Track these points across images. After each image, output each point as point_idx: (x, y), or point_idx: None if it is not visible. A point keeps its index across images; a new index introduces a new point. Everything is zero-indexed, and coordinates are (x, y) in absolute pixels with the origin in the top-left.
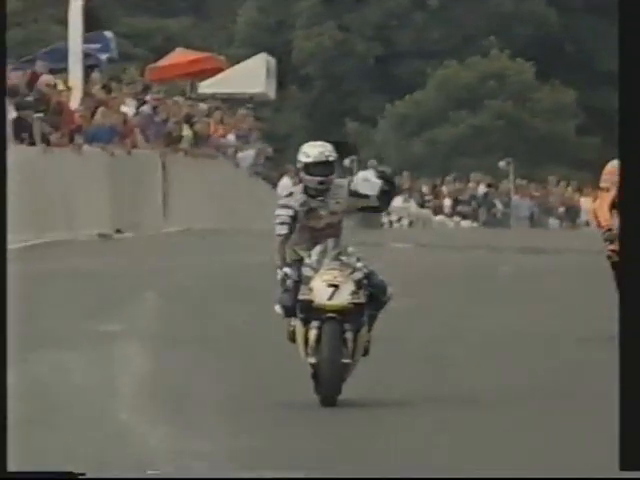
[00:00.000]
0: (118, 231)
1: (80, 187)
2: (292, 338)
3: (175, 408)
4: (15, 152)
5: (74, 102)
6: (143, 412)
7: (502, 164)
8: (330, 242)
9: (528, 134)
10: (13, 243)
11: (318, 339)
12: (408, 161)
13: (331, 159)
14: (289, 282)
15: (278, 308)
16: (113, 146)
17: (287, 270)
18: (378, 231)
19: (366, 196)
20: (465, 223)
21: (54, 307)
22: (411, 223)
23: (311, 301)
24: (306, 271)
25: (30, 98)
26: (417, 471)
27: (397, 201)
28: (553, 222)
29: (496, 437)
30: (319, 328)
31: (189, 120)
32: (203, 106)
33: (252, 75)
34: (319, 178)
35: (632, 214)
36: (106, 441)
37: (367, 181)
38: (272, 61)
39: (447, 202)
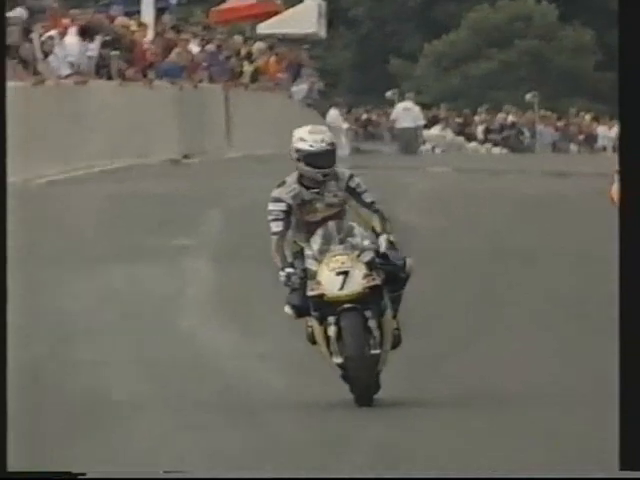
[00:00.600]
0: (186, 157)
1: (152, 117)
2: (312, 340)
3: (239, 314)
4: (94, 86)
5: (146, 41)
6: (210, 318)
7: (528, 96)
8: (331, 225)
9: (552, 70)
10: (93, 168)
11: (339, 335)
12: (445, 93)
13: (333, 147)
14: (294, 279)
15: (287, 309)
16: (181, 81)
17: (290, 270)
18: (416, 157)
19: (361, 198)
20: (495, 149)
21: (130, 224)
22: (444, 150)
23: (322, 295)
24: (309, 264)
25: (108, 38)
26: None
27: (434, 129)
28: (573, 148)
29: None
30: (337, 323)
31: (249, 57)
32: (262, 45)
33: (305, 17)
34: (323, 170)
35: (632, 210)
36: (176, 347)
37: (407, 110)
38: (323, 4)
39: (479, 130)
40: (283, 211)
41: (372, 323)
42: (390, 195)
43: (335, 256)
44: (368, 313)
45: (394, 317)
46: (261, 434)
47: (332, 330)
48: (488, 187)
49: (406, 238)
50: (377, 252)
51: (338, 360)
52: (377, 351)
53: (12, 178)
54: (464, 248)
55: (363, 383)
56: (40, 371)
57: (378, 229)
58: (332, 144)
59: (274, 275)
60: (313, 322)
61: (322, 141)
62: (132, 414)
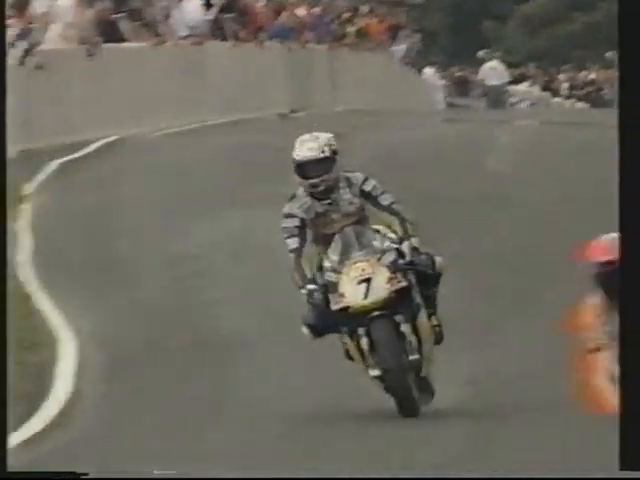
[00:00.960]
0: (293, 111)
1: (262, 75)
2: (349, 356)
3: None
4: (210, 47)
5: (258, 5)
6: None
7: (609, 55)
8: (349, 231)
9: None
10: (207, 121)
11: (372, 347)
12: (532, 53)
13: (324, 154)
14: (316, 295)
15: (304, 329)
16: (290, 42)
17: (311, 286)
18: (503, 111)
19: (378, 202)
20: (578, 104)
21: (242, 172)
22: (531, 105)
23: (347, 307)
24: (328, 277)
25: (224, 2)
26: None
27: (522, 86)
28: None
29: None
30: (368, 334)
31: (352, 20)
32: (364, 8)
33: None
34: (311, 180)
35: (632, 213)
36: (285, 284)
37: (493, 69)
38: None
39: (564, 87)
40: (297, 227)
41: (405, 328)
42: (480, 146)
43: (355, 263)
44: (399, 318)
45: (432, 315)
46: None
47: (364, 342)
48: (572, 138)
49: (493, 185)
50: (400, 251)
51: (376, 373)
52: (415, 356)
53: (134, 130)
54: (549, 194)
55: (405, 393)
56: (163, 308)
57: (400, 233)
58: (322, 152)
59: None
60: (344, 337)
61: (310, 150)
62: (246, 348)
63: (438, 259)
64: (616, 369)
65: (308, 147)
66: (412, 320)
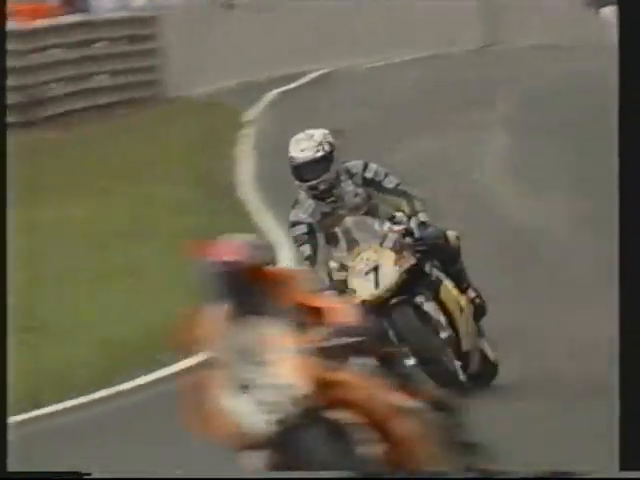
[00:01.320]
0: (484, 46)
1: (453, 13)
2: None
3: (535, 184)
4: None
5: None
6: (504, 184)
7: None
8: (348, 224)
9: None
10: (405, 56)
11: (399, 337)
12: None
13: (321, 153)
14: None
15: None
16: None
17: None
18: None
19: (382, 186)
20: None
21: (433, 101)
22: None
23: (363, 302)
24: (336, 276)
25: None
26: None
27: None
28: None
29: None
30: (392, 325)
31: None
32: None
33: None
34: (308, 183)
35: (632, 212)
36: (471, 199)
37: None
38: None
39: None
40: (305, 233)
41: (428, 306)
42: None
43: (358, 255)
44: (419, 298)
45: (467, 288)
46: (540, 272)
47: (391, 334)
48: None
49: None
50: (408, 230)
51: (412, 362)
52: (447, 333)
53: (341, 64)
54: None
55: (448, 377)
56: None
57: (407, 212)
58: (322, 150)
59: (560, 145)
60: None
61: (304, 150)
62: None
63: (450, 232)
64: (235, 386)
65: (302, 148)
66: (435, 297)
